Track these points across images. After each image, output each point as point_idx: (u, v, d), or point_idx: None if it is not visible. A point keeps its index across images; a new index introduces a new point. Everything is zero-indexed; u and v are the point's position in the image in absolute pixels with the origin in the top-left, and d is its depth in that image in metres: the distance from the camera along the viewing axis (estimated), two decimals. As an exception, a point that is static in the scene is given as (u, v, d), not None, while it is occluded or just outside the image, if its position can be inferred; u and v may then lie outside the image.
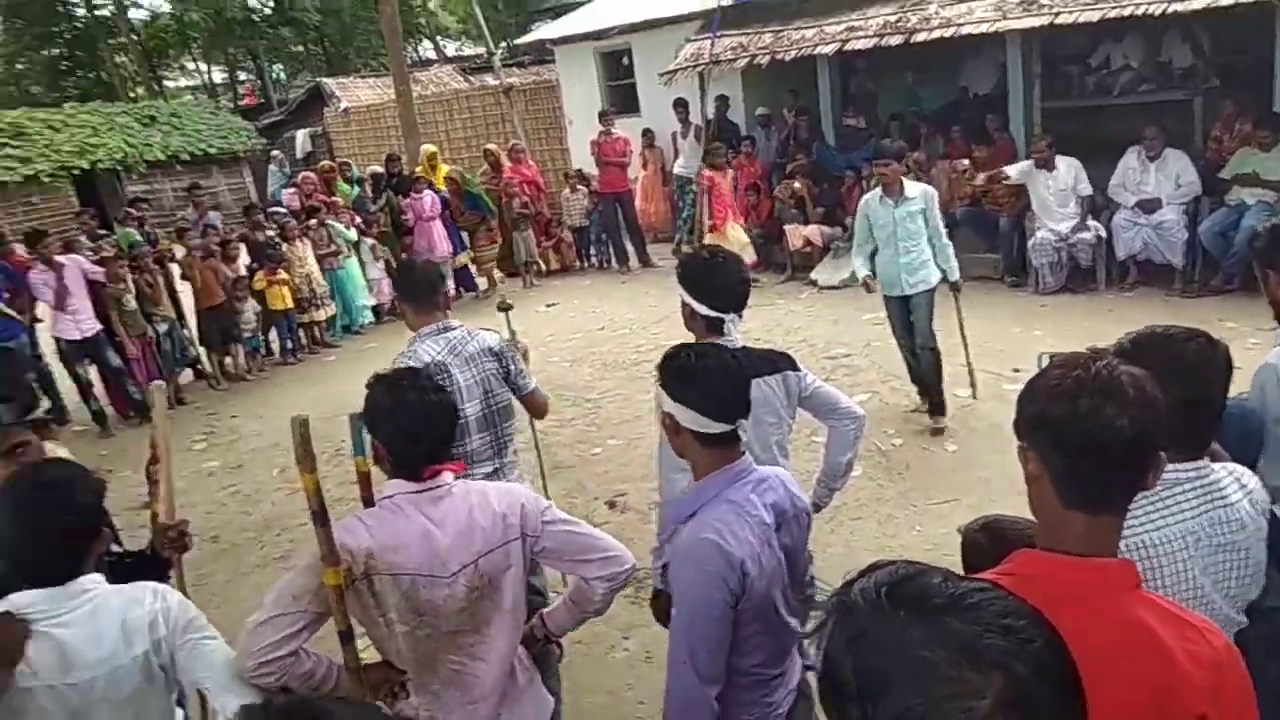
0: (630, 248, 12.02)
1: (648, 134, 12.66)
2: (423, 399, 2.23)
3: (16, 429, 2.43)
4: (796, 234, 10.54)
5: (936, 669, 0.88)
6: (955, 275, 6.05)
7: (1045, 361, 1.53)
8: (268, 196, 18.54)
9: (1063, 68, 9.89)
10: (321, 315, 10.20)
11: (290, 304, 9.75)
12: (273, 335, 9.97)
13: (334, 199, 10.39)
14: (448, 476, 2.28)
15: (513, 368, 3.61)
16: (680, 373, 2.18)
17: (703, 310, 2.90)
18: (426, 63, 28.02)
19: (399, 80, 13.36)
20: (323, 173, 10.84)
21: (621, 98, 13.74)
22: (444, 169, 11.48)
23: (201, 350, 9.37)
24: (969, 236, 9.34)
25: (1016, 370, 6.73)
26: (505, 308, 4.71)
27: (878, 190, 5.94)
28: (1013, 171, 8.84)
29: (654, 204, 12.92)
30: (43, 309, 8.17)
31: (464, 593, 2.22)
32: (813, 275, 10.38)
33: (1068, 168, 8.55)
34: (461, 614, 2.23)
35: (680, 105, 11.94)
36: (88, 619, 2.00)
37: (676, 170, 12.22)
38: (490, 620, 2.28)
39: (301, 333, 10.11)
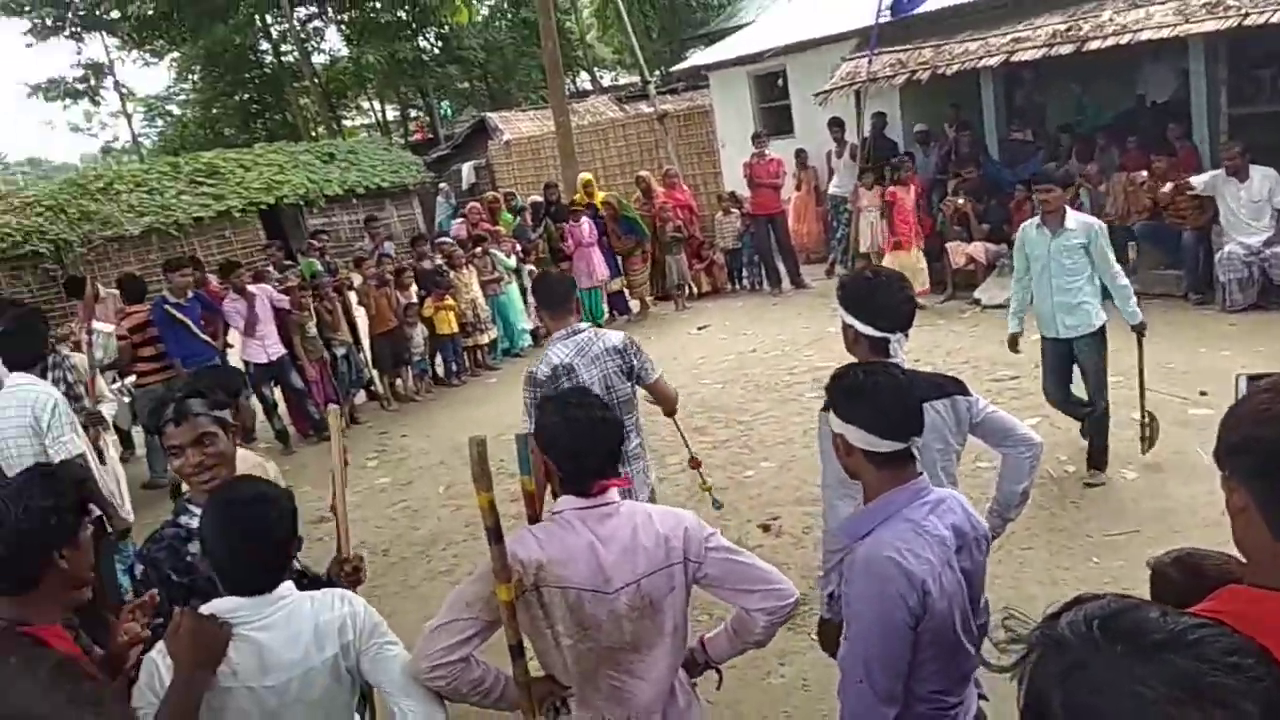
0: (783, 269, 11.94)
1: (801, 154, 12.58)
2: (589, 416, 2.29)
3: (204, 419, 2.56)
4: (959, 251, 10.21)
5: (1155, 706, 0.85)
6: (1136, 319, 5.35)
7: (1244, 384, 1.42)
8: (436, 227, 19.50)
9: (1252, 72, 9.21)
10: (484, 339, 10.60)
11: (456, 329, 10.18)
12: (438, 359, 10.42)
13: (497, 228, 10.81)
14: (614, 493, 2.32)
15: (635, 362, 4.08)
16: (849, 391, 2.16)
17: (867, 331, 2.83)
18: (584, 93, 28.80)
19: (558, 112, 13.78)
20: (489, 203, 11.30)
21: (774, 119, 13.72)
22: (600, 195, 11.75)
23: (374, 373, 9.89)
24: (1150, 252, 8.81)
25: (1203, 393, 6.27)
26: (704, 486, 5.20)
27: (1036, 218, 5.48)
28: (1199, 182, 8.29)
29: (807, 225, 12.82)
30: (234, 334, 8.84)
31: (625, 610, 2.24)
32: (976, 294, 10.03)
33: (1262, 178, 7.94)
34: (623, 631, 2.26)
35: (835, 124, 11.82)
36: (284, 623, 2.13)
37: (831, 190, 12.08)
38: (651, 641, 2.30)
39: (465, 356, 10.53)
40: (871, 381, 2.14)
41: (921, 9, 10.79)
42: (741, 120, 14.01)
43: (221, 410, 2.65)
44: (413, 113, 35.12)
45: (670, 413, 4.37)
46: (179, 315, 7.76)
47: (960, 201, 10.29)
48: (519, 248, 10.86)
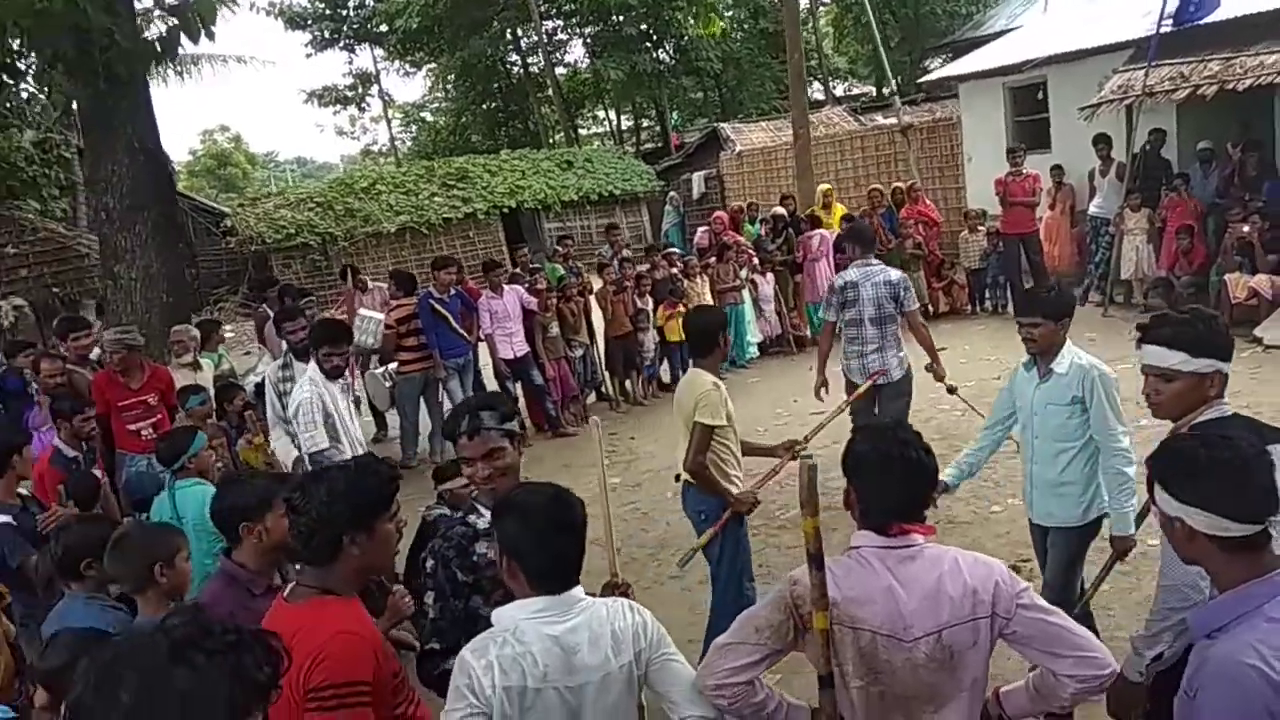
0: (1032, 293, 11.23)
1: (1058, 171, 11.81)
2: (904, 454, 2.18)
3: (495, 434, 2.65)
4: (1239, 284, 9.24)
5: None
6: (1120, 528, 3.77)
7: None
8: (661, 235, 19.86)
9: None
10: (713, 348, 10.62)
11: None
12: (665, 364, 10.55)
13: (739, 238, 10.84)
14: (918, 538, 2.20)
15: (901, 293, 5.97)
16: (1187, 468, 1.87)
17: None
18: (817, 104, 28.51)
19: (798, 124, 13.66)
20: (734, 212, 11.38)
21: (1029, 133, 12.96)
22: (839, 208, 11.53)
23: (606, 374, 10.15)
24: None
25: None
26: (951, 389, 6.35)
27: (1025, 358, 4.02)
28: None
29: (1059, 246, 12.01)
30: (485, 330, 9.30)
31: (923, 660, 2.13)
32: (1256, 331, 9.04)
33: None
34: (918, 680, 2.14)
35: (1101, 140, 11.01)
36: (584, 626, 2.17)
37: (1092, 210, 11.27)
38: (947, 693, 2.17)
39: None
40: (1214, 455, 1.85)
41: (1209, 18, 9.84)
42: (991, 134, 13.34)
43: (510, 422, 2.76)
44: (644, 122, 36.03)
45: (923, 341, 6.18)
46: (441, 310, 8.27)
47: (1245, 229, 9.32)
48: (755, 260, 10.82)
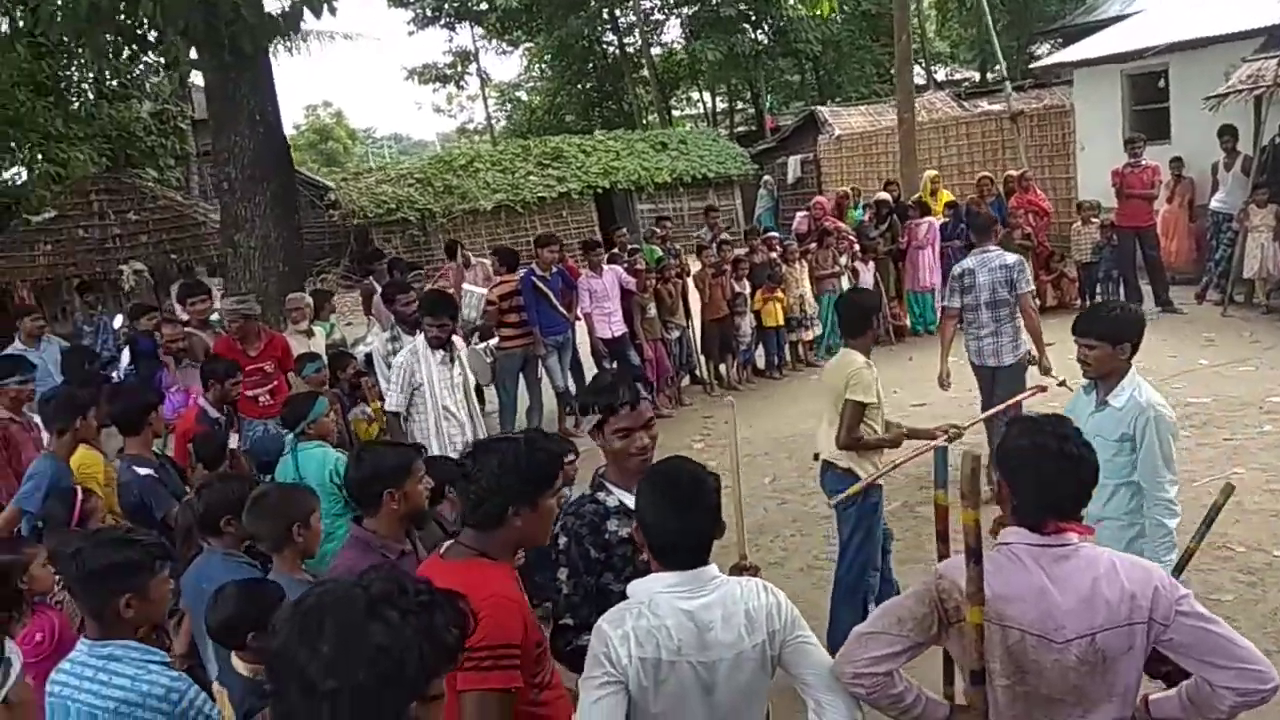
0: (1146, 289, 10.81)
1: (1177, 163, 11.31)
2: (1062, 448, 2.13)
3: (648, 404, 2.74)
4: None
5: None
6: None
7: None
8: (754, 219, 19.68)
9: None
10: (808, 335, 10.53)
11: (781, 321, 10.19)
12: (760, 349, 10.48)
13: (841, 223, 10.68)
14: (1072, 536, 2.14)
15: (1015, 277, 6.10)
16: None
17: None
18: (919, 89, 27.80)
19: (903, 108, 13.37)
20: (839, 197, 11.21)
21: (1147, 123, 12.44)
22: (945, 195, 11.26)
23: (701, 358, 10.13)
24: None
25: None
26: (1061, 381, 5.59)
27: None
28: None
29: (1176, 241, 11.54)
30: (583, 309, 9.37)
31: (1074, 663, 2.07)
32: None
33: None
34: (1067, 683, 2.09)
35: (1227, 132, 10.51)
36: (719, 603, 2.18)
37: (1213, 205, 10.79)
38: (1096, 697, 2.11)
39: (788, 350, 10.52)
40: None
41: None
42: (1106, 123, 12.85)
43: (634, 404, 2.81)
44: (738, 105, 35.70)
45: (1031, 328, 6.15)
46: (543, 287, 8.36)
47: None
48: (857, 247, 10.65)
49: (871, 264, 10.75)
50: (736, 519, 2.88)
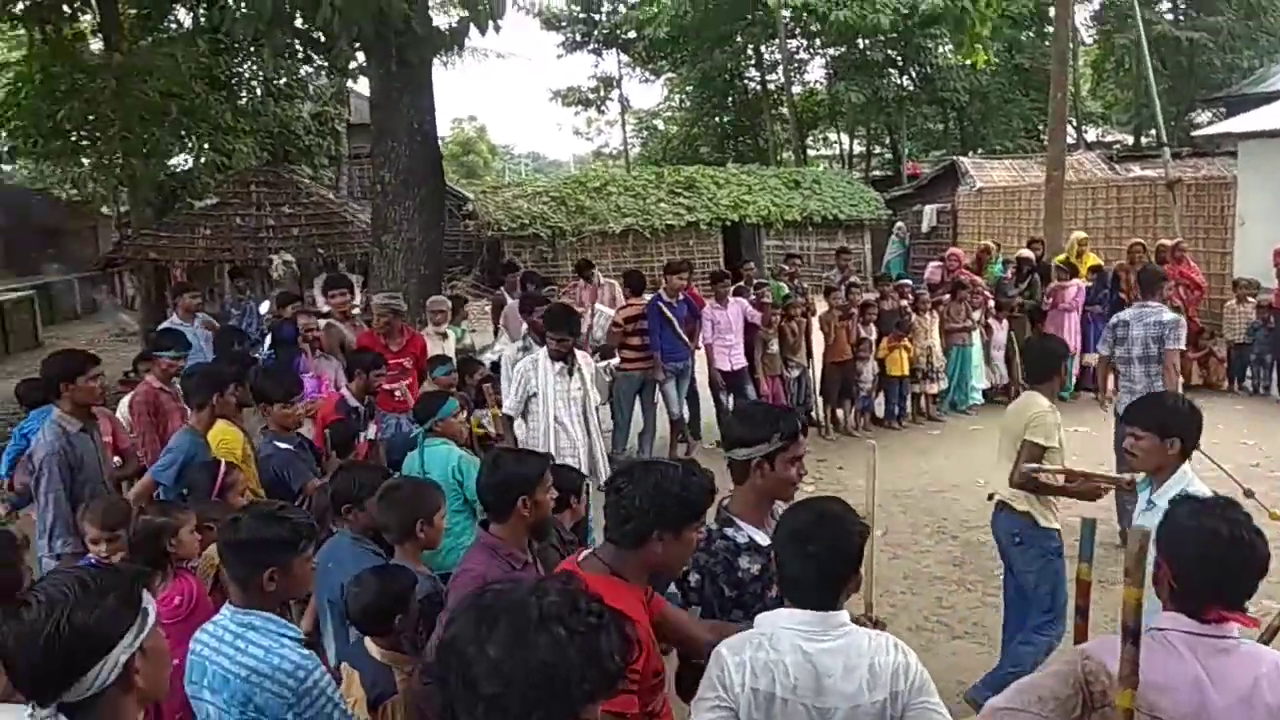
0: (1302, 378, 10.16)
1: (1349, 248, 10.60)
2: (1233, 533, 2.01)
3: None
4: None
5: None
6: None
7: None
8: (883, 266, 19.36)
9: None
10: (933, 389, 10.26)
11: (906, 371, 9.96)
12: (881, 398, 10.26)
13: (976, 278, 10.41)
14: (1234, 628, 2.01)
15: (1166, 334, 6.09)
16: None
17: None
18: (1069, 147, 27.02)
19: (1053, 165, 12.96)
20: (979, 251, 10.94)
21: (1318, 203, 11.73)
22: (1090, 258, 10.84)
23: (819, 400, 9.98)
24: None
25: None
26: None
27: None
28: None
29: (1342, 331, 10.78)
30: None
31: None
32: None
33: None
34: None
35: None
36: (841, 652, 2.14)
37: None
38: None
39: (910, 401, 10.27)
40: None
41: None
42: (1271, 198, 12.16)
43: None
44: (875, 149, 35.31)
45: (1169, 387, 5.95)
46: (668, 314, 8.40)
47: None
48: (992, 303, 10.35)
49: (1005, 321, 10.43)
50: (866, 568, 2.81)
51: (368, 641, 2.97)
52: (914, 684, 2.15)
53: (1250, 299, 10.59)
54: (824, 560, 2.17)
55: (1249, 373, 10.66)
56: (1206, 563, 2.02)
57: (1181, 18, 27.15)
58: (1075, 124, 28.98)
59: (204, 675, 2.46)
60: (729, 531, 2.73)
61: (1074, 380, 10.56)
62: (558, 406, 5.76)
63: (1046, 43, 25.85)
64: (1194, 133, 18.32)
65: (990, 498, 4.69)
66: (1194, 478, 3.32)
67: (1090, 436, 6.41)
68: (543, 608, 1.41)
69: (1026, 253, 10.87)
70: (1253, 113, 14.30)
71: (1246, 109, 15.07)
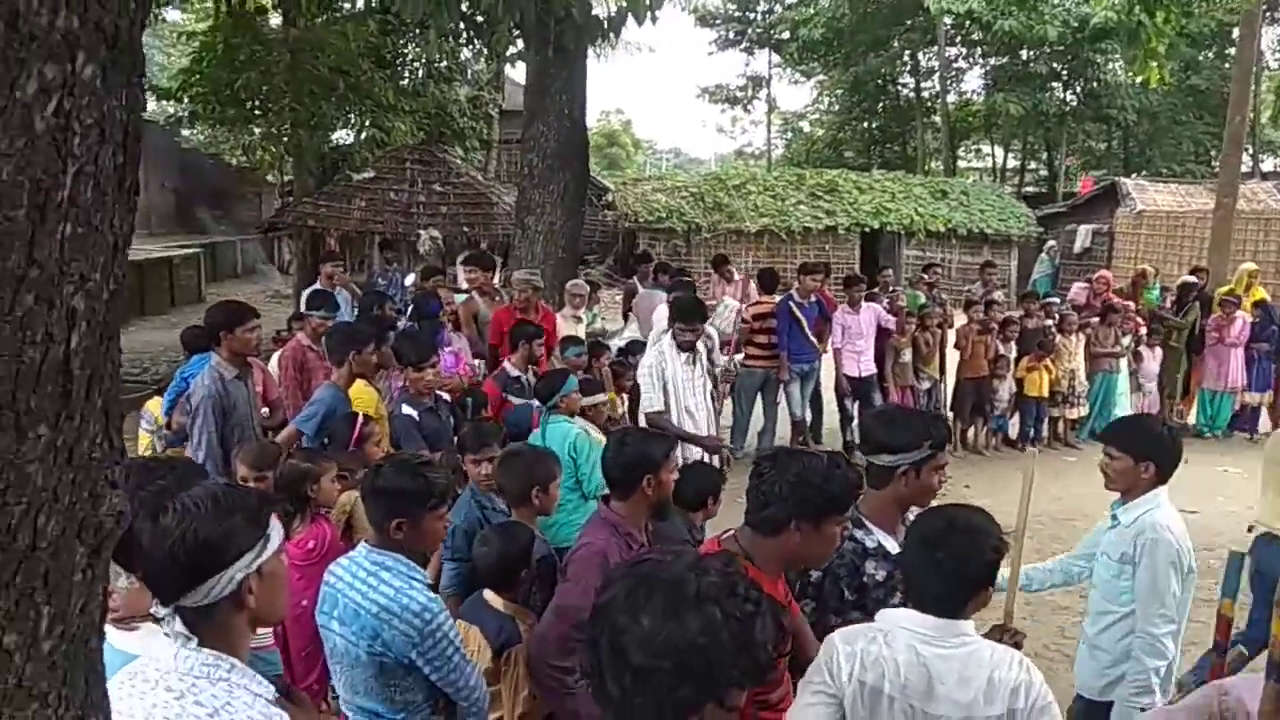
0: None
1: None
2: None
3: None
4: None
5: None
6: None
7: None
8: (1029, 284, 18.62)
9: None
10: (1073, 414, 9.82)
11: (1046, 393, 9.57)
12: (1015, 418, 9.90)
13: (1127, 303, 9.91)
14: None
15: None
16: None
17: None
18: (1242, 175, 25.34)
19: (1224, 192, 12.20)
20: (1136, 275, 10.44)
21: None
22: (1258, 292, 10.16)
23: (949, 414, 9.70)
24: None
25: None
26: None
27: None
28: None
29: None
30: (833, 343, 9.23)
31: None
32: None
33: None
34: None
35: None
36: (959, 660, 2.09)
37: None
38: None
39: (1048, 425, 9.87)
40: None
41: None
42: None
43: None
44: (1030, 164, 33.98)
45: None
46: (798, 314, 8.33)
47: None
48: (1144, 330, 9.83)
49: (1159, 350, 9.89)
50: (1012, 577, 2.73)
51: (488, 594, 3.07)
52: (1035, 704, 2.07)
53: None
54: (949, 569, 2.13)
55: None
56: None
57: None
58: (1251, 151, 27.16)
59: (335, 607, 2.60)
60: (859, 534, 2.68)
61: (1232, 418, 9.96)
62: (685, 395, 5.80)
63: (1226, 65, 24.38)
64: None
65: (1249, 529, 4.53)
66: (1164, 501, 3.26)
67: (1242, 479, 5.98)
68: (700, 586, 1.38)
69: (1191, 279, 10.26)
70: None
71: None
